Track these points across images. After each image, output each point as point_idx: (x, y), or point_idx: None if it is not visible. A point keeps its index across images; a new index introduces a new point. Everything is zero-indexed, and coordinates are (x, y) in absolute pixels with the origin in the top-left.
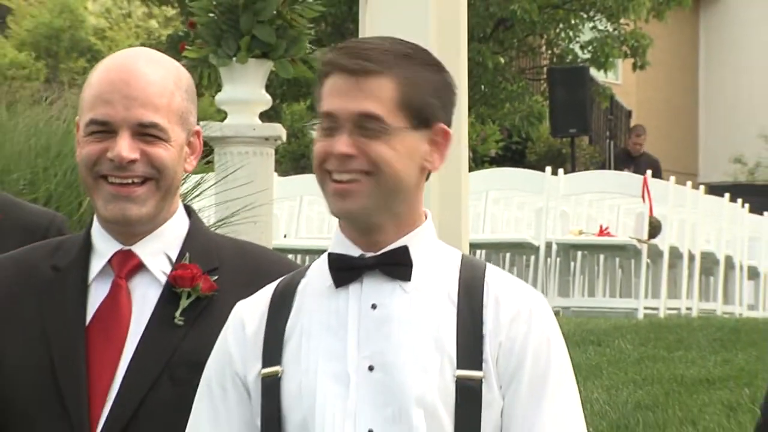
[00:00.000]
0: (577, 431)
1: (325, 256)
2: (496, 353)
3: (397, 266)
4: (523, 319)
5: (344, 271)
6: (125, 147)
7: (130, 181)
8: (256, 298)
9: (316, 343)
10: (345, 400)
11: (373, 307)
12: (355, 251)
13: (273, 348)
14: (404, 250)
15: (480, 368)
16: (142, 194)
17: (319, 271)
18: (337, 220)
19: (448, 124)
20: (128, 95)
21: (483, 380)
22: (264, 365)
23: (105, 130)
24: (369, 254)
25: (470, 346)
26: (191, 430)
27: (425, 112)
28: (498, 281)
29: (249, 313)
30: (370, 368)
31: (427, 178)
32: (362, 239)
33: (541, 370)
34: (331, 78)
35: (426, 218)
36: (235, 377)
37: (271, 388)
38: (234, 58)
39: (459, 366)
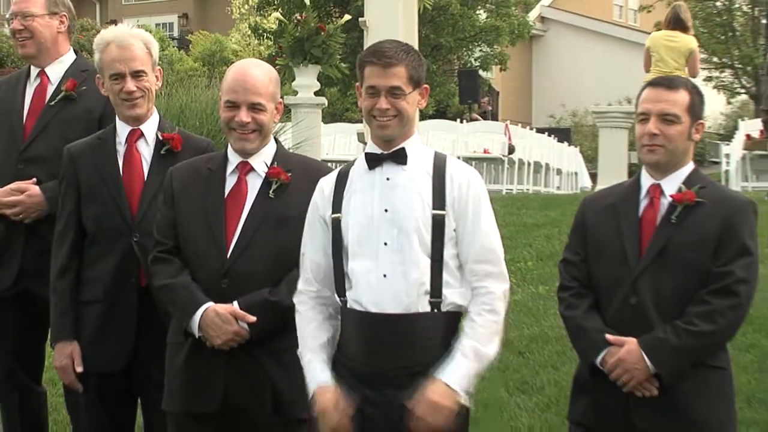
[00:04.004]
0: (498, 238)
1: (362, 155)
2: (452, 202)
3: (401, 157)
4: (465, 184)
5: (372, 161)
6: (244, 116)
7: (247, 131)
8: (329, 177)
9: (356, 198)
10: (370, 227)
11: (387, 179)
12: (378, 150)
13: (338, 202)
14: (403, 149)
15: (444, 209)
16: (252, 138)
17: (360, 162)
18: (364, 137)
19: (426, 81)
20: (245, 88)
21: (445, 215)
22: (332, 212)
23: (233, 105)
24: (386, 152)
25: (439, 198)
26: (303, 245)
27: (420, 80)
28: (453, 165)
29: (326, 184)
30: (385, 210)
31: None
32: (384, 145)
33: (477, 209)
34: (369, 67)
35: (415, 131)
36: (319, 217)
37: (336, 225)
38: (301, 64)
39: (433, 208)
